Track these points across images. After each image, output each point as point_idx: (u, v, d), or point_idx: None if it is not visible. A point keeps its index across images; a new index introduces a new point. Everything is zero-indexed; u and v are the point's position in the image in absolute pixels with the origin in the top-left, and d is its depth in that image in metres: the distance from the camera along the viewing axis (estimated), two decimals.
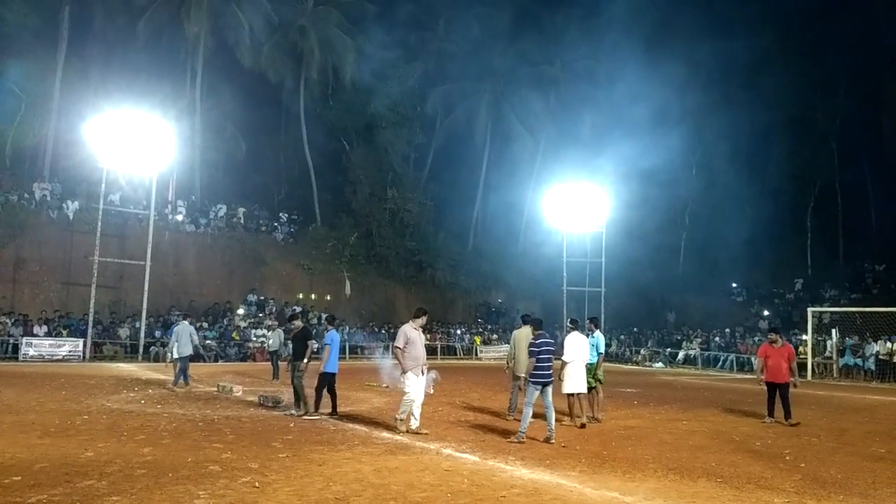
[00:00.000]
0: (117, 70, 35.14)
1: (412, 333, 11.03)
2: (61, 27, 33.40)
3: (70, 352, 25.14)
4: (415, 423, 10.94)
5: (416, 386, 10.91)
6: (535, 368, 10.52)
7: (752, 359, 31.36)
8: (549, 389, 10.71)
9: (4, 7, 31.10)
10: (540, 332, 11.03)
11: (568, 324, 13.06)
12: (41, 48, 32.92)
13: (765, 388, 13.83)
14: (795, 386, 13.80)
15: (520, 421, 12.49)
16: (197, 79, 37.52)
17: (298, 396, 12.66)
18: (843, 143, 45.64)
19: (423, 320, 11.42)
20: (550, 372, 10.71)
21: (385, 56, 41.61)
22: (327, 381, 12.57)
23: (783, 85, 43.95)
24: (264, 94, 42.21)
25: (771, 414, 13.57)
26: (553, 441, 10.37)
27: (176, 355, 17.09)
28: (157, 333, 27.21)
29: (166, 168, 30.38)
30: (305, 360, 12.65)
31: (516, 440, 10.32)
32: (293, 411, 12.57)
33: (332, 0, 41.50)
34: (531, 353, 10.66)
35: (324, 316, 33.43)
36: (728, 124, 43.70)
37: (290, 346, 13.40)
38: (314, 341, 13.51)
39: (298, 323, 13.40)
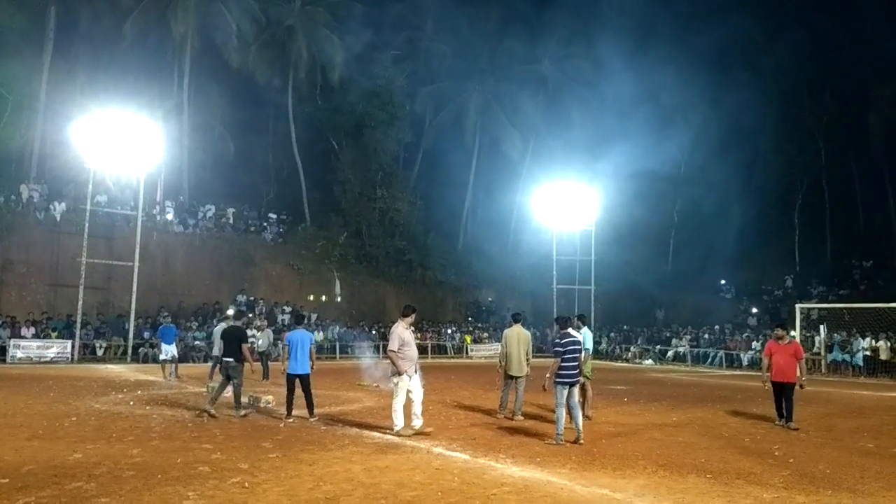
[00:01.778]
0: (104, 70, 34.91)
1: (405, 334, 10.87)
2: (47, 27, 33.16)
3: (58, 353, 25.02)
4: (418, 423, 10.72)
5: (414, 385, 10.75)
6: (561, 368, 10.29)
7: (741, 355, 31.62)
8: (576, 389, 10.62)
9: None
10: (565, 330, 10.75)
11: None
12: (27, 48, 32.67)
13: (768, 388, 12.75)
14: (801, 387, 12.49)
15: (510, 419, 12.57)
16: (184, 79, 37.36)
17: (237, 396, 12.50)
18: (830, 142, 45.94)
19: (412, 318, 11.28)
20: (577, 371, 10.54)
21: (374, 55, 41.58)
22: (292, 383, 12.16)
23: (770, 84, 44.18)
24: (252, 94, 42.12)
25: (781, 416, 12.58)
26: (582, 441, 10.11)
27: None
28: (146, 334, 27.09)
29: (154, 168, 30.25)
30: (237, 361, 12.45)
31: (554, 442, 10.07)
32: (240, 411, 12.28)
33: (319, 0, 41.39)
34: (556, 353, 10.41)
35: (313, 316, 33.62)
36: (716, 122, 43.91)
37: (222, 343, 12.89)
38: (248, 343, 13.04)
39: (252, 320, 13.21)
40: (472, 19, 46.25)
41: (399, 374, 10.64)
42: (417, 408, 10.76)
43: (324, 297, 36.51)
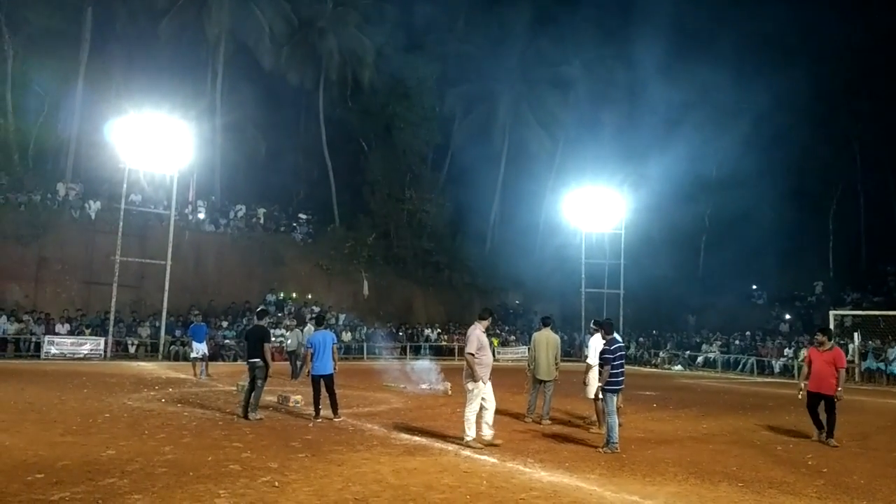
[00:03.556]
0: (139, 71, 35.48)
1: (483, 338, 10.26)
2: (84, 28, 33.73)
3: (91, 350, 25.42)
4: (489, 433, 10.22)
5: (488, 393, 10.19)
6: (612, 375, 10.13)
7: (773, 362, 31.21)
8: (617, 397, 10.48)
9: (28, 9, 31.51)
10: (611, 336, 10.50)
11: (591, 325, 12.93)
12: (64, 49, 33.26)
13: (802, 397, 11.82)
14: (838, 399, 11.33)
15: (538, 423, 12.52)
16: (217, 80, 37.76)
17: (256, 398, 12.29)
18: (865, 145, 45.08)
19: (489, 322, 10.68)
20: (624, 377, 10.41)
21: (404, 57, 41.66)
22: (317, 384, 12.23)
23: (805, 86, 43.45)
24: (284, 95, 42.42)
25: (820, 427, 11.66)
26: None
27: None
28: (178, 332, 27.43)
29: (187, 168, 30.61)
30: (265, 363, 12.29)
31: (609, 450, 9.87)
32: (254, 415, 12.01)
33: (351, 1, 41.56)
34: (605, 360, 10.18)
35: (341, 316, 33.73)
36: (749, 125, 43.28)
37: (246, 344, 12.97)
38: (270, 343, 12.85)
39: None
40: (503, 20, 46.09)
41: (475, 380, 10.05)
42: (489, 417, 10.22)
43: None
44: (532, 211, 46.35)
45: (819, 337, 12.03)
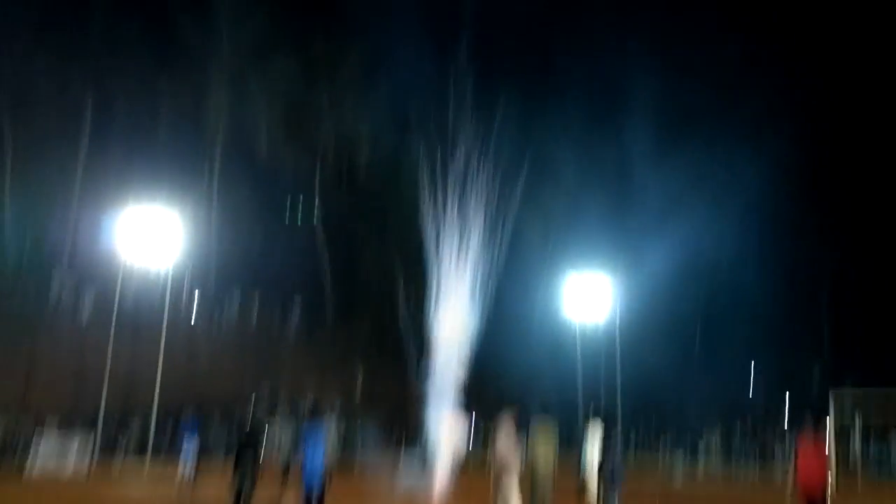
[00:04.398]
0: (137, 161, 35.54)
1: (511, 432, 10.85)
2: (83, 122, 34.27)
3: (78, 456, 24.40)
4: None
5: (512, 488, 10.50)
6: (611, 473, 10.23)
7: (776, 448, 30.65)
8: None
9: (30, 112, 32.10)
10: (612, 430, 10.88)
11: (590, 419, 12.73)
12: (64, 143, 33.72)
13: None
14: (825, 501, 9.93)
15: None
16: (215, 166, 38.16)
17: None
18: (858, 221, 44.64)
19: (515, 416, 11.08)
20: (624, 472, 10.49)
21: (400, 138, 41.57)
22: (308, 491, 11.22)
23: (798, 165, 42.95)
24: (280, 184, 42.49)
25: None
26: None
27: None
28: (168, 428, 26.84)
29: (181, 261, 30.57)
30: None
31: None
32: None
33: (346, 85, 41.96)
34: (605, 459, 10.39)
35: (334, 411, 33.04)
36: (743, 206, 42.36)
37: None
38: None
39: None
40: (491, 103, 46.11)
41: (506, 471, 10.46)
42: None
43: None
44: (525, 302, 45.48)
45: (806, 428, 10.69)
